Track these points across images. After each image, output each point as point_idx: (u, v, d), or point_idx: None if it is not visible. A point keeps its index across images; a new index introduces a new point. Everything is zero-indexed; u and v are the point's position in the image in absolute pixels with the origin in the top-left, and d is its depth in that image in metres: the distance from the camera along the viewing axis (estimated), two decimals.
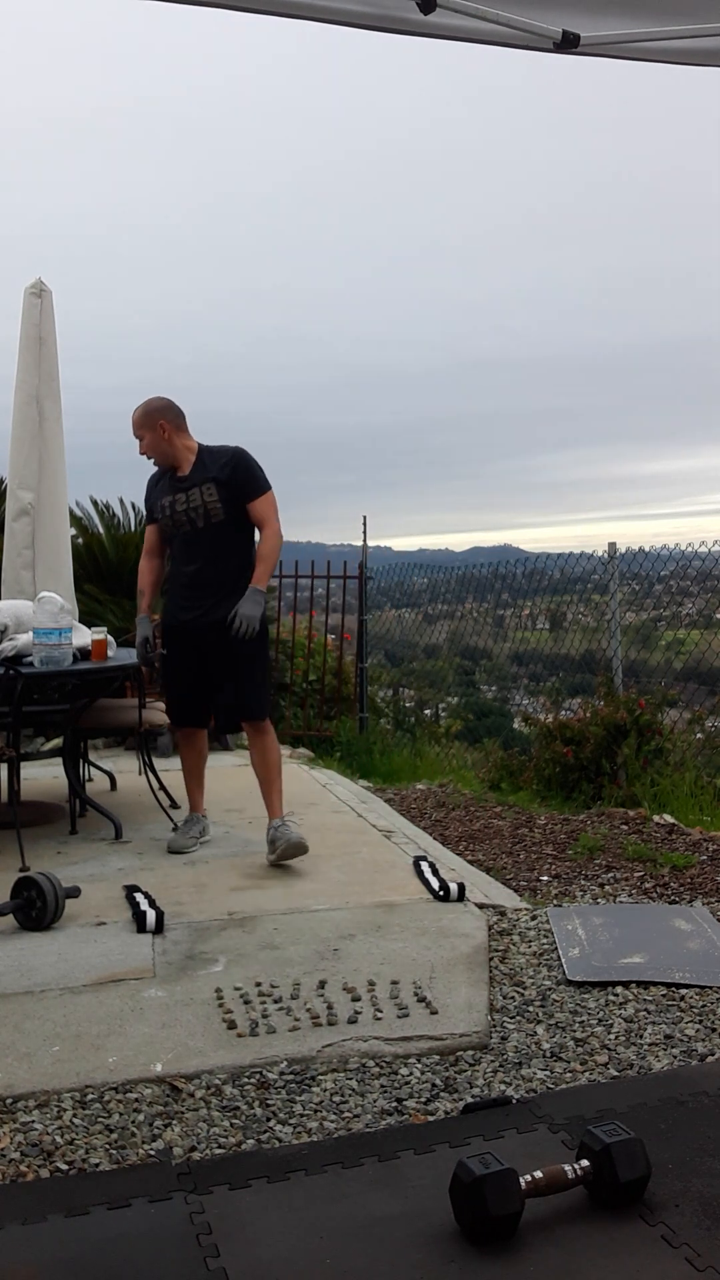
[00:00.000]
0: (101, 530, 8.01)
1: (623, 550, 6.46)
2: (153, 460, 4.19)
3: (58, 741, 5.77)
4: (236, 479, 4.08)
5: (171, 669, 4.26)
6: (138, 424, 4.13)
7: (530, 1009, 2.80)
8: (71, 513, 6.64)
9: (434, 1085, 2.39)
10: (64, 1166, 2.08)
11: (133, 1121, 2.23)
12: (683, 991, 2.89)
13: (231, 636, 3.93)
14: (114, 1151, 2.13)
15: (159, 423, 4.10)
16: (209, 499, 4.07)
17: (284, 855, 3.96)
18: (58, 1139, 2.17)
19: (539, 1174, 1.83)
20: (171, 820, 4.67)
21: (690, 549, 6.31)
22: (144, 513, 4.45)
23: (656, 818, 4.86)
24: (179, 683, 4.27)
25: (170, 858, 4.16)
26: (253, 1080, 2.40)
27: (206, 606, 4.08)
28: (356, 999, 2.78)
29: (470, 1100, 2.29)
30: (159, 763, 5.34)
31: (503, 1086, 2.39)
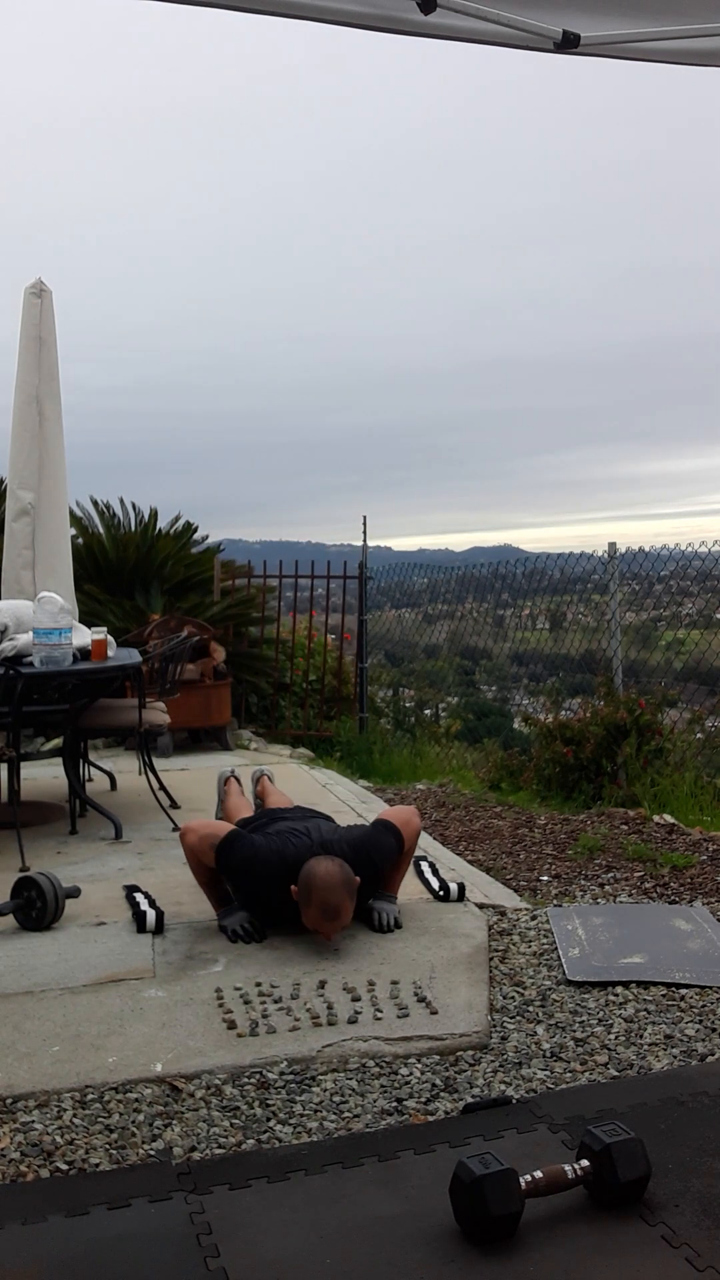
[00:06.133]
0: (101, 530, 8.01)
1: (623, 550, 6.47)
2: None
3: (58, 741, 5.77)
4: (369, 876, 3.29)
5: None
6: (345, 885, 3.08)
7: (530, 1009, 2.80)
8: (71, 513, 6.64)
9: (434, 1085, 2.39)
10: (64, 1166, 2.08)
11: (133, 1121, 2.23)
12: (683, 991, 2.89)
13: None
14: (114, 1151, 2.13)
15: (354, 888, 3.16)
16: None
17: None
18: (58, 1139, 2.17)
19: (539, 1174, 1.83)
20: (171, 820, 4.67)
21: (690, 549, 6.33)
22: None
23: (656, 818, 4.86)
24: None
25: (170, 858, 4.15)
26: (253, 1080, 2.40)
27: None
28: (356, 999, 2.78)
29: (470, 1100, 2.29)
30: (159, 763, 5.34)
31: (503, 1086, 2.39)
